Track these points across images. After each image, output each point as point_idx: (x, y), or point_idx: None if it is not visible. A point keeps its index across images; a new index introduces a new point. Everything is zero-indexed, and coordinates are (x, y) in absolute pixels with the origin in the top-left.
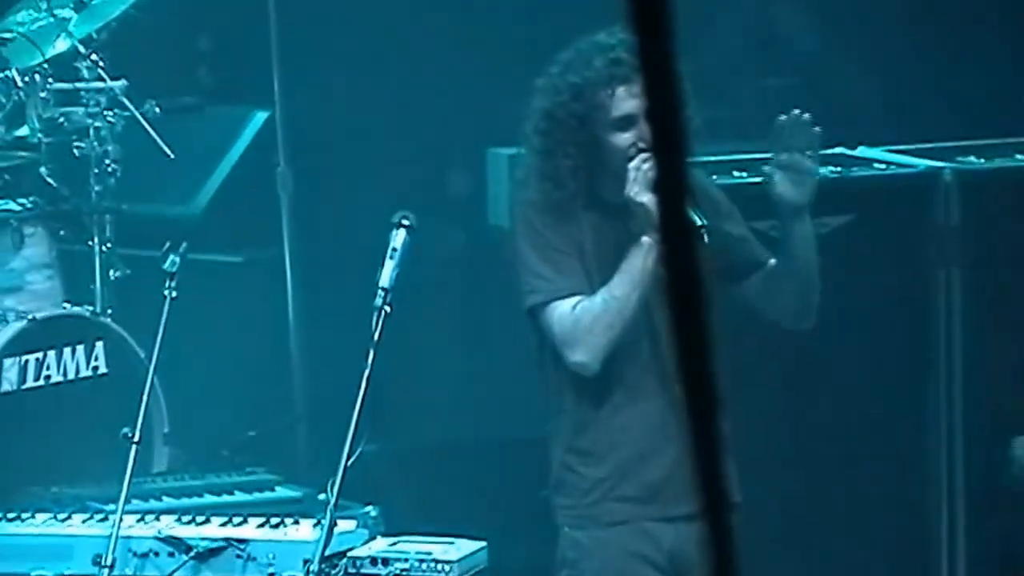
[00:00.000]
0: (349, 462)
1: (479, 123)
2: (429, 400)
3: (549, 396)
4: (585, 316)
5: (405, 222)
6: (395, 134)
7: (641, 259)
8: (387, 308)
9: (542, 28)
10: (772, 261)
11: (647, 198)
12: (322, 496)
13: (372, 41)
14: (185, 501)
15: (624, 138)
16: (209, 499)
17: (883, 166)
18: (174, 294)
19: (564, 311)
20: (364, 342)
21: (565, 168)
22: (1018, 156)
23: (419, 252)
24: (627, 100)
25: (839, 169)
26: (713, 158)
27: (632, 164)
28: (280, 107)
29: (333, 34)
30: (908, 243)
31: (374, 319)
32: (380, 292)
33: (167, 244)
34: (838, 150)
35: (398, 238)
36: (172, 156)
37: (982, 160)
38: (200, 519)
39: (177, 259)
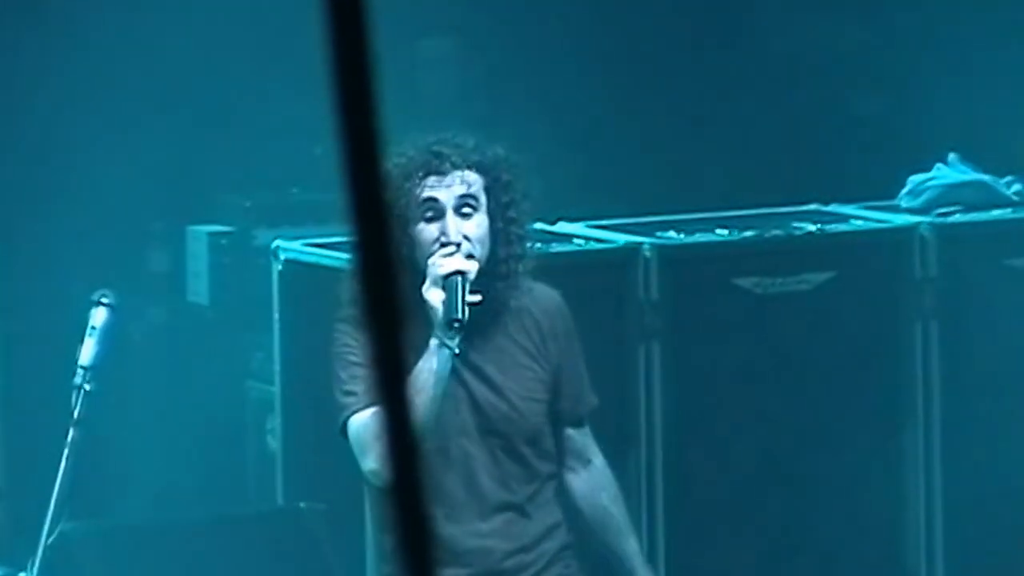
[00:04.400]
0: (48, 540)
1: (178, 201)
2: (132, 478)
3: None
4: (374, 424)
5: (105, 300)
6: (93, 211)
7: (424, 360)
8: (88, 386)
9: (243, 107)
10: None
11: (432, 295)
12: (22, 575)
13: (66, 118)
14: None
15: (428, 230)
16: None
17: (860, 221)
18: None
19: (361, 422)
20: (65, 420)
21: None
22: (720, 231)
23: (120, 330)
24: (434, 188)
25: (817, 225)
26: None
27: (430, 259)
28: None
29: (30, 111)
30: (886, 297)
31: (74, 397)
32: (80, 370)
33: None
34: (812, 206)
35: (98, 316)
36: None
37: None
38: None
39: None
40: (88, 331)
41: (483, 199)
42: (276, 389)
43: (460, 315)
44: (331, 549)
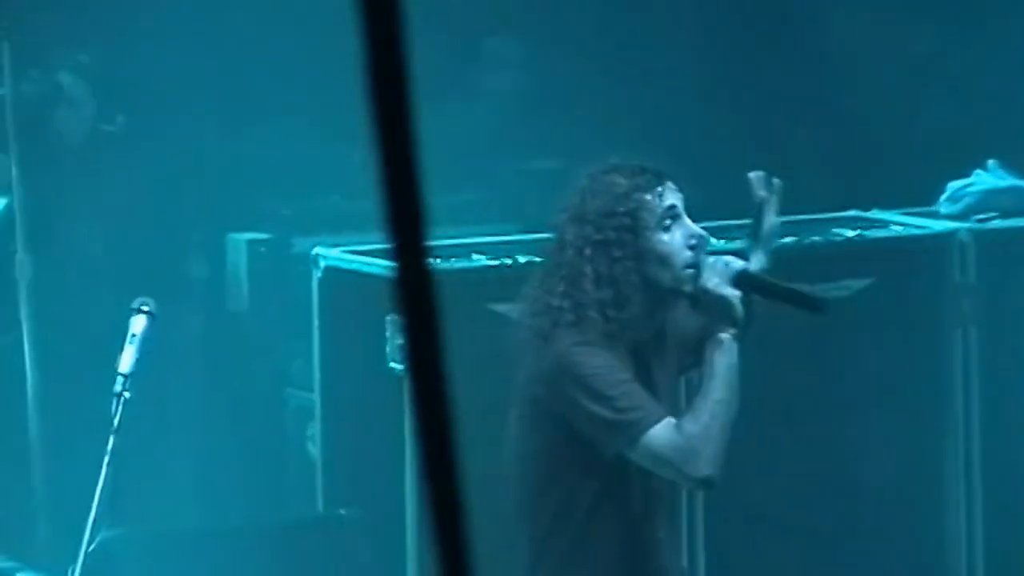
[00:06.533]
0: (89, 548)
1: (218, 208)
2: (172, 485)
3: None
4: (696, 429)
5: (145, 308)
6: (134, 219)
7: (727, 356)
8: (127, 394)
9: (282, 114)
10: None
11: (729, 291)
12: None
13: (109, 126)
14: None
15: (673, 237)
16: None
17: (899, 227)
18: None
19: (668, 433)
20: (105, 427)
21: (629, 286)
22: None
23: (159, 337)
24: (671, 193)
25: (857, 231)
26: (459, 241)
27: (708, 259)
28: (18, 194)
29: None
30: (926, 303)
31: (114, 405)
32: (120, 378)
33: None
34: (852, 212)
35: (138, 324)
36: None
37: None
38: None
39: None
40: (128, 339)
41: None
42: (316, 396)
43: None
44: (371, 556)
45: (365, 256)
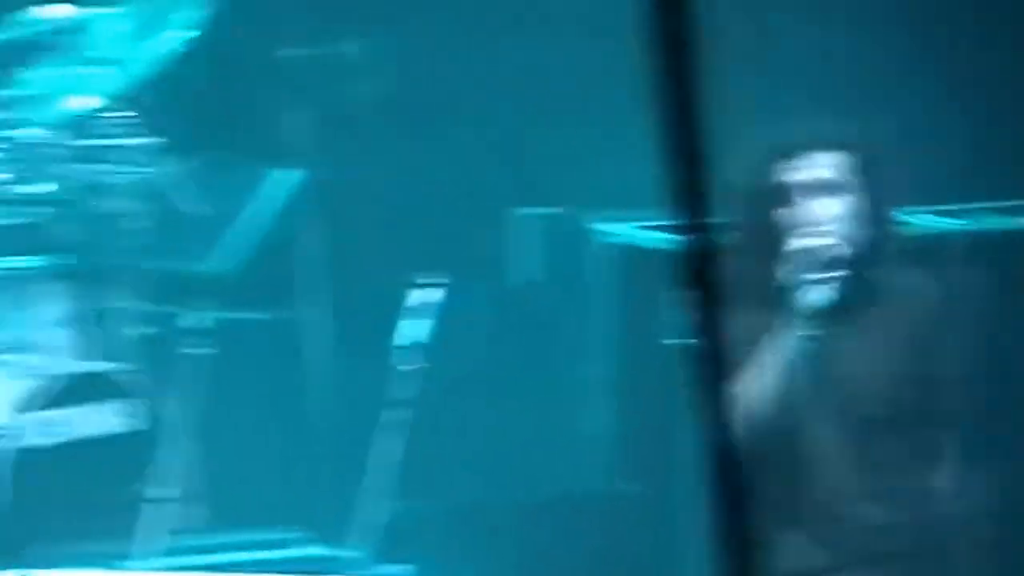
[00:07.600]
0: (378, 521)
1: (505, 183)
2: (463, 458)
3: None
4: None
5: (429, 282)
6: (421, 193)
7: (781, 353)
8: (416, 367)
9: (567, 88)
10: None
11: (802, 279)
12: (354, 555)
13: (398, 99)
14: (213, 559)
15: (794, 213)
16: (238, 557)
17: None
18: (200, 351)
19: None
20: (393, 400)
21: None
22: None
23: (444, 312)
24: (799, 171)
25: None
26: None
27: (795, 245)
28: (309, 166)
29: (360, 93)
30: None
31: (403, 378)
32: (407, 350)
33: (192, 302)
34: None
35: (421, 297)
36: (198, 214)
37: None
38: None
39: (203, 317)
40: (411, 312)
41: (847, 179)
42: (599, 371)
43: (842, 301)
44: (652, 531)
45: (651, 231)
